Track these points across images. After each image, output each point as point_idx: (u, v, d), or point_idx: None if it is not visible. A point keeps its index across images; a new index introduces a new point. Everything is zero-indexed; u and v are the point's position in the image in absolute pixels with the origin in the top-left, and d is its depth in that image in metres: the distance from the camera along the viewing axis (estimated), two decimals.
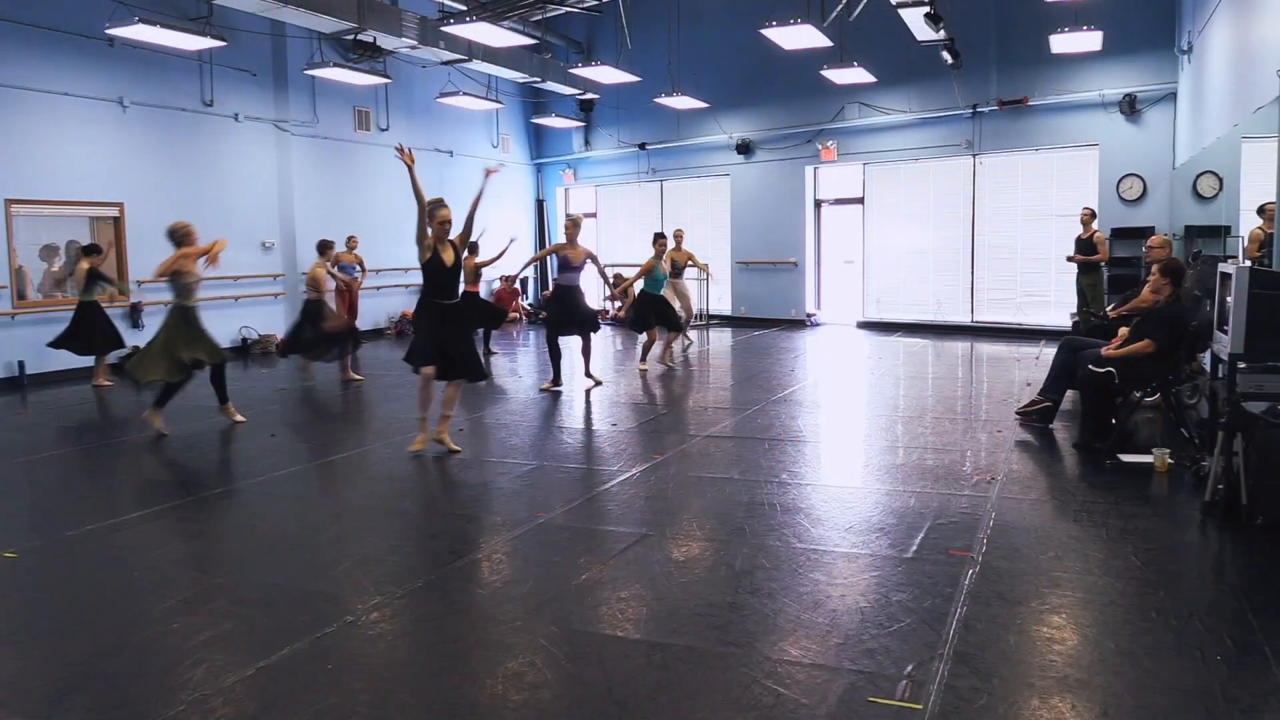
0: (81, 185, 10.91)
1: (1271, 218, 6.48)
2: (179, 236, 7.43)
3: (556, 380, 9.42)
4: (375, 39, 12.09)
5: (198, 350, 7.34)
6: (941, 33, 11.49)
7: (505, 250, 11.98)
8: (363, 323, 13.60)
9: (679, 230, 13.10)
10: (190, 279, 7.31)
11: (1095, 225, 11.79)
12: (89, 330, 10.02)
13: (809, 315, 15.88)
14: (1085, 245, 11.61)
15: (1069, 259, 11.81)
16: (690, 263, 12.89)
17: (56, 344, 9.98)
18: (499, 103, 15.85)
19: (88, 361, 10.93)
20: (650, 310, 10.64)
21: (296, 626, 3.57)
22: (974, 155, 14.20)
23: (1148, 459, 5.70)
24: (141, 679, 3.19)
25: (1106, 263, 11.81)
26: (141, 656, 3.38)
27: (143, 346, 7.71)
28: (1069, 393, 7.14)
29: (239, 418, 7.74)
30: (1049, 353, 8.85)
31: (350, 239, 12.99)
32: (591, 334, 9.61)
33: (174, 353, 7.23)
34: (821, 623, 3.52)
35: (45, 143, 10.54)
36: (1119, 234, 12.56)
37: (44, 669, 3.28)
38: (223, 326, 12.54)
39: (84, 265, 10.03)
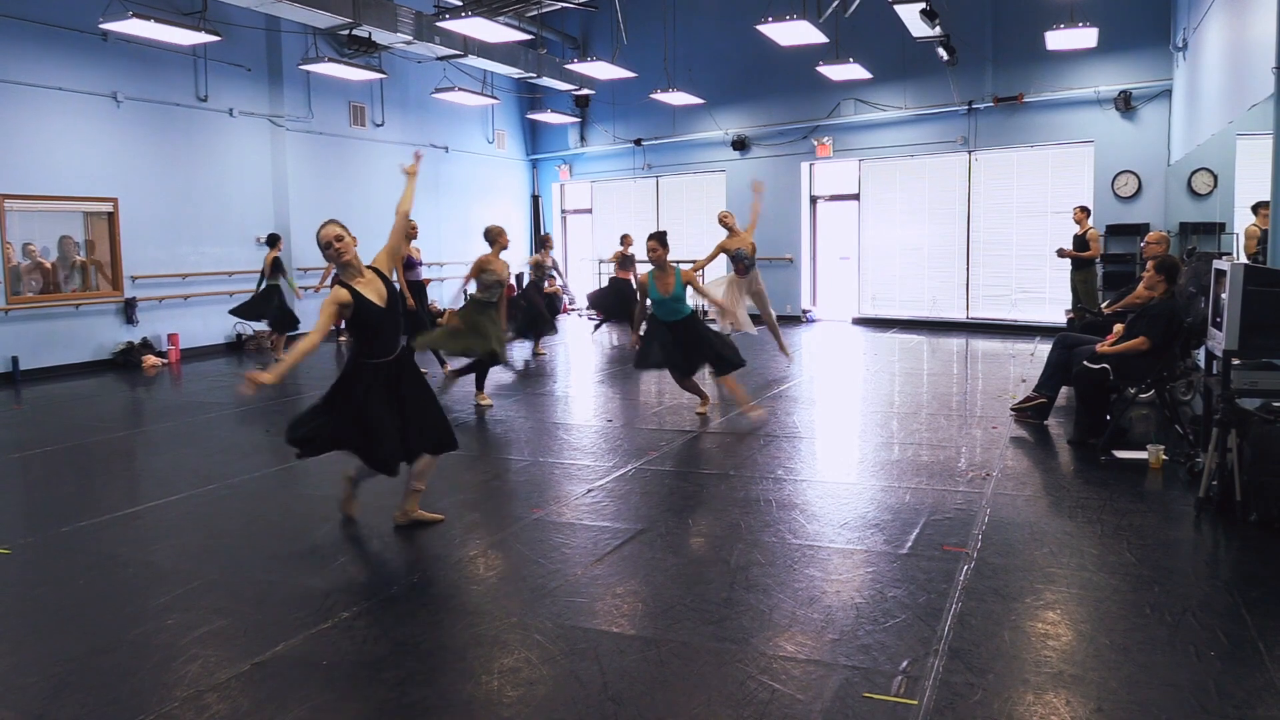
0: (75, 180, 10.87)
1: (1267, 215, 6.50)
2: (492, 237, 8.07)
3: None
4: (370, 34, 12.05)
5: (475, 341, 7.94)
6: (937, 29, 11.50)
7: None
8: None
9: (726, 213, 10.23)
10: (491, 277, 7.87)
11: (1090, 222, 11.79)
12: (265, 305, 11.36)
13: (805, 311, 15.88)
14: (1078, 241, 11.61)
15: (1058, 253, 11.74)
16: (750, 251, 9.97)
17: (237, 311, 11.57)
18: (494, 98, 15.83)
19: (80, 358, 10.97)
20: (656, 344, 7.29)
21: (291, 623, 3.57)
22: (969, 152, 14.20)
23: (1142, 455, 5.72)
24: (136, 675, 3.19)
25: (1100, 259, 11.81)
26: (136, 652, 3.37)
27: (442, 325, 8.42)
28: (1064, 389, 7.15)
29: (487, 402, 8.25)
30: (1044, 349, 8.86)
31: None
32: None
33: (469, 335, 7.91)
34: (817, 618, 3.52)
35: (39, 138, 10.50)
36: (1114, 230, 12.59)
37: (38, 665, 3.27)
38: (217, 322, 12.55)
39: (270, 255, 11.42)
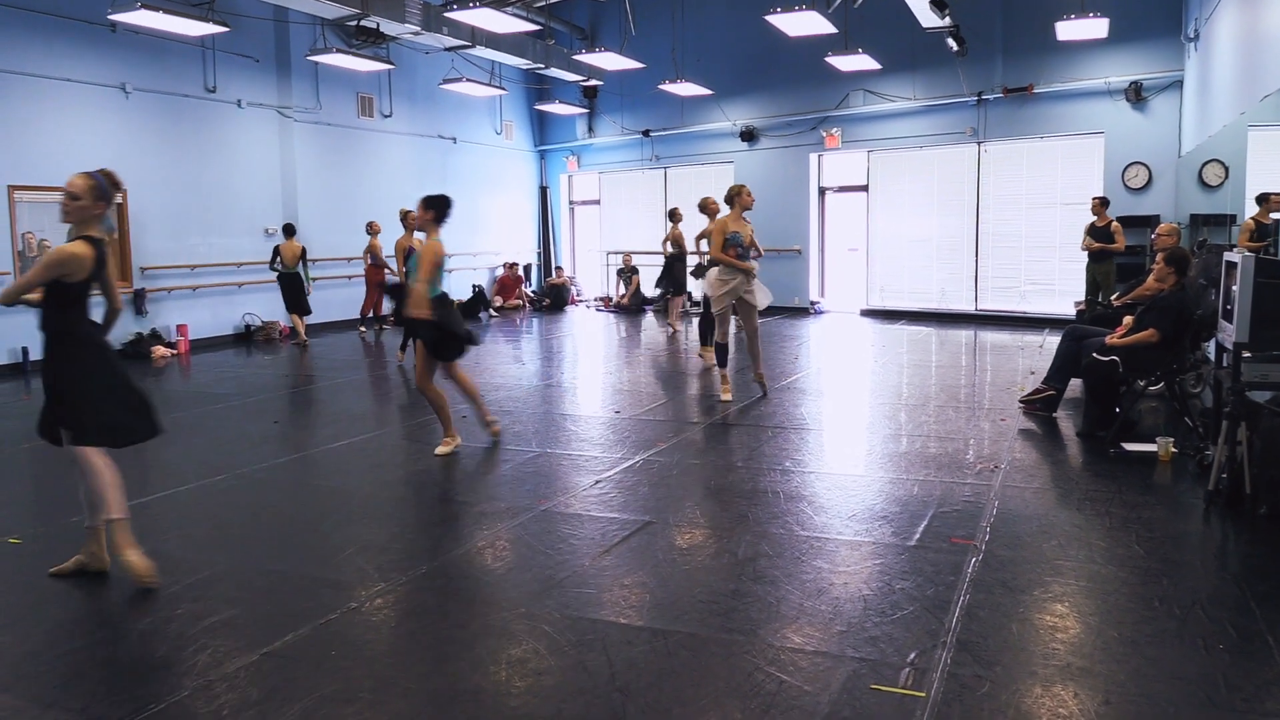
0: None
1: (1272, 207, 6.46)
2: (703, 206, 9.02)
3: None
4: (378, 25, 12.04)
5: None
6: (947, 19, 11.44)
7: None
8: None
9: (742, 188, 7.77)
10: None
11: (1108, 213, 11.62)
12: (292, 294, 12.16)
13: (813, 303, 15.86)
14: (1102, 233, 11.31)
15: (1086, 247, 11.44)
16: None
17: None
18: (502, 89, 15.81)
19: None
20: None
21: (300, 613, 3.58)
22: (979, 143, 14.14)
23: (1151, 448, 5.70)
24: (146, 664, 3.21)
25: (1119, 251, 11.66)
26: (146, 642, 3.39)
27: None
28: (1073, 381, 7.12)
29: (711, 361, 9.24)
30: (1052, 341, 8.83)
31: (372, 225, 12.87)
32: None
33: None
34: (824, 610, 3.52)
35: (48, 129, 10.52)
36: (1124, 222, 12.46)
37: (49, 654, 3.29)
38: (225, 313, 12.59)
39: (297, 246, 12.18)
